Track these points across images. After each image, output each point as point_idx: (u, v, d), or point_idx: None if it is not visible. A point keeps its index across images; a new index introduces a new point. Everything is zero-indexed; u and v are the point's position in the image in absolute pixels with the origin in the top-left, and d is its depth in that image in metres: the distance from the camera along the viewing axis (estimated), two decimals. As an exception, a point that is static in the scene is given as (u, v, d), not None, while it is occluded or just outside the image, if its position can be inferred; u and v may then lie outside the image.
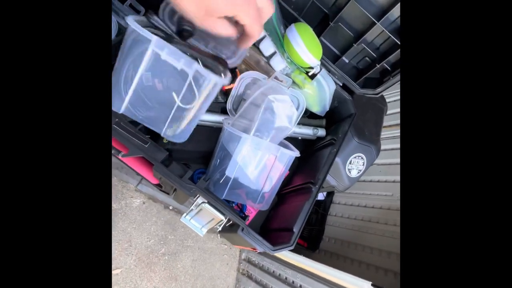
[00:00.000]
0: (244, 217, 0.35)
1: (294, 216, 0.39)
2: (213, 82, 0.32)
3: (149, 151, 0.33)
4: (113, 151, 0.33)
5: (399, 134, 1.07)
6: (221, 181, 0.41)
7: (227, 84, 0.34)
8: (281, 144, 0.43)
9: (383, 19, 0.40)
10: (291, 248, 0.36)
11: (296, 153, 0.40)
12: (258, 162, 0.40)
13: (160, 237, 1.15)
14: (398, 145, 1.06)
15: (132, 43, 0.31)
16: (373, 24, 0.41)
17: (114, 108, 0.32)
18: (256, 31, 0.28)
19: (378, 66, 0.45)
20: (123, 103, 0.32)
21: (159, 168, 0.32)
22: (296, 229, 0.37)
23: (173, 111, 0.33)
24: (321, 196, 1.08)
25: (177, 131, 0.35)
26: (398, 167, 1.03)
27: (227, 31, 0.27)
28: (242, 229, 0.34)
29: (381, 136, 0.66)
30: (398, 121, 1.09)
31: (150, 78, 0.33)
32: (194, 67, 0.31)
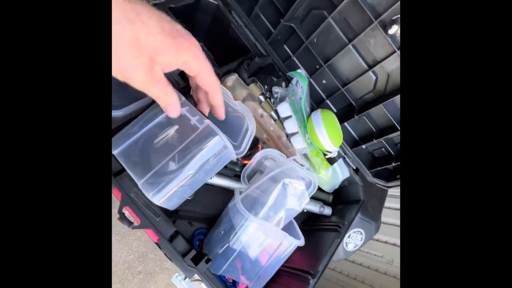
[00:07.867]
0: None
1: (286, 308, 0.38)
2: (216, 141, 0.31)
3: (159, 225, 0.33)
4: (123, 222, 0.33)
5: (392, 193, 1.08)
6: (220, 252, 0.41)
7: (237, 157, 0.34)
8: (288, 224, 0.43)
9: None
10: None
11: (301, 241, 0.40)
12: (261, 242, 0.40)
13: (140, 253, 1.12)
14: (391, 204, 1.06)
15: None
16: (396, 128, 0.43)
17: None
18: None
19: (394, 164, 0.46)
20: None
21: (164, 244, 0.32)
22: (286, 326, 0.36)
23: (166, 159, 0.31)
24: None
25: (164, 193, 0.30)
26: (391, 227, 1.02)
27: None
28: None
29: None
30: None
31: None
32: (206, 122, 0.31)
